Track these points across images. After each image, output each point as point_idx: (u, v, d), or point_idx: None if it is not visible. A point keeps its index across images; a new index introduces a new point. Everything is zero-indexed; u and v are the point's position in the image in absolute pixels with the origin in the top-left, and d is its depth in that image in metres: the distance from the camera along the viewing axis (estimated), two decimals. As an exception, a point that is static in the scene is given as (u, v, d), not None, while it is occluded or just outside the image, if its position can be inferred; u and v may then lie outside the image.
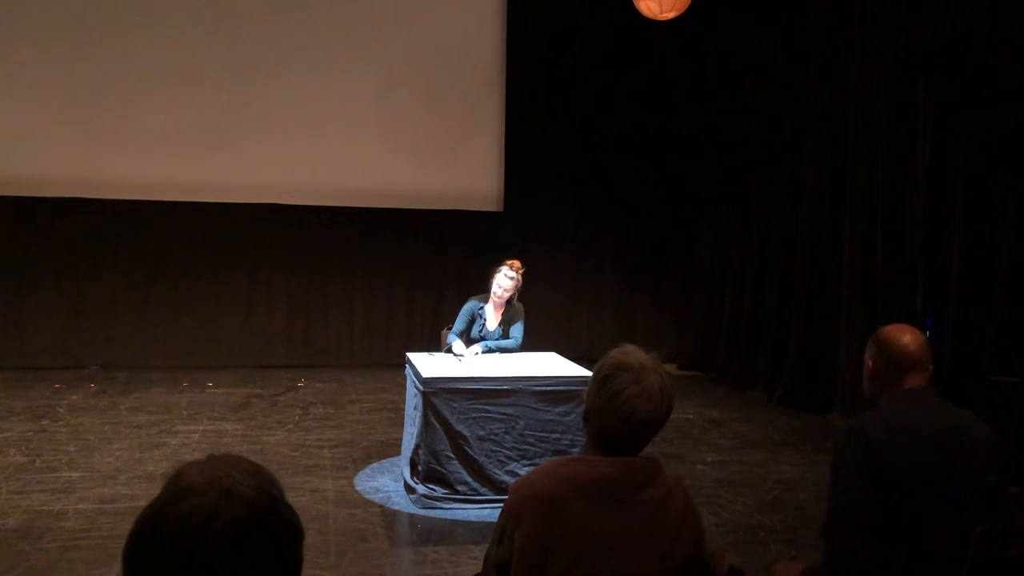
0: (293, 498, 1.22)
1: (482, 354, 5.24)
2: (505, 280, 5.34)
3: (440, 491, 4.66)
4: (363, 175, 8.77)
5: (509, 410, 4.69)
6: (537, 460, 4.59)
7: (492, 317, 5.47)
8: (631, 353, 1.95)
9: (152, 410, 6.65)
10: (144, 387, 7.43)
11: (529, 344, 5.61)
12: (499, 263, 5.44)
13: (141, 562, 1.11)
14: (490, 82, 9.03)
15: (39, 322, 8.19)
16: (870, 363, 2.47)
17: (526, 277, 5.49)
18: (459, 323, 5.48)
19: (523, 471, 4.48)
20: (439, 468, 4.65)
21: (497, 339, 5.42)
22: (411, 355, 5.21)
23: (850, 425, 2.35)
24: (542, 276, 8.84)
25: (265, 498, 1.14)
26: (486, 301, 5.47)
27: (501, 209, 9.10)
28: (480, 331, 5.44)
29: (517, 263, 5.42)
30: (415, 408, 4.78)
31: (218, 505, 1.10)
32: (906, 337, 2.42)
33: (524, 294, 5.61)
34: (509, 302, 5.47)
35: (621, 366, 1.91)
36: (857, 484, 2.22)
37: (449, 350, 5.27)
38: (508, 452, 4.70)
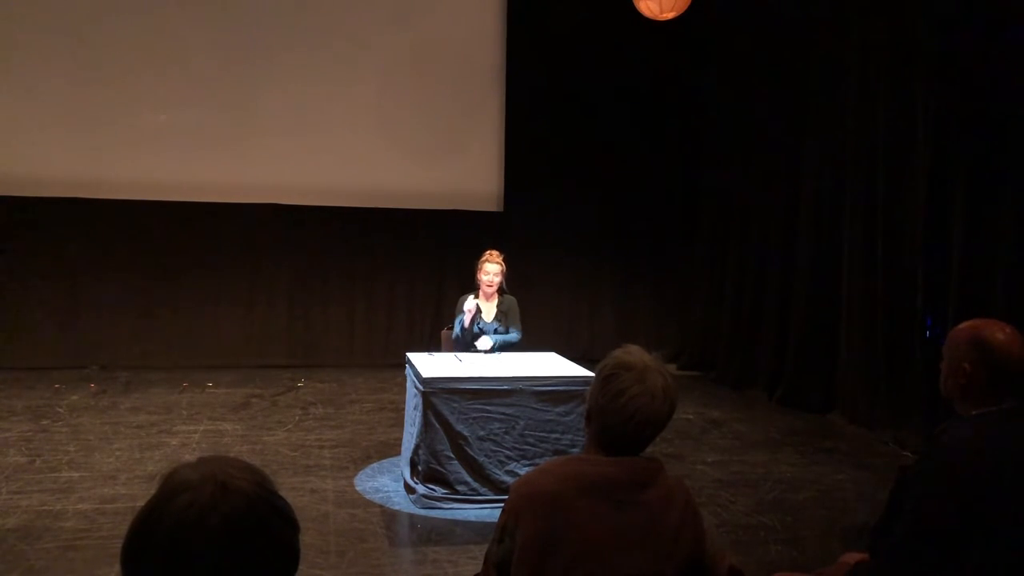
0: (293, 498, 1.22)
1: (498, 350, 5.35)
2: (492, 266, 5.55)
3: (440, 491, 4.65)
4: (363, 175, 8.76)
5: (509, 410, 4.70)
6: (537, 460, 4.60)
7: (487, 309, 5.60)
8: (634, 353, 1.94)
9: (152, 410, 6.64)
10: (144, 387, 7.42)
11: (529, 344, 5.65)
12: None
13: (140, 560, 1.10)
14: (490, 82, 9.03)
15: (39, 322, 8.18)
16: (967, 367, 2.15)
17: (527, 277, 5.58)
18: (459, 323, 5.53)
19: (523, 471, 4.48)
20: (439, 468, 4.65)
21: (494, 331, 5.53)
22: (411, 355, 5.21)
23: (941, 457, 2.08)
24: (542, 276, 8.86)
25: (260, 490, 1.14)
26: (477, 296, 5.61)
27: (501, 209, 9.09)
28: (478, 324, 5.51)
29: (496, 251, 5.67)
30: (415, 408, 4.79)
31: (215, 498, 1.10)
32: (1016, 347, 2.12)
33: (524, 293, 5.65)
34: (501, 293, 5.63)
35: (624, 366, 1.91)
36: (934, 541, 1.99)
37: (473, 347, 5.38)
38: (508, 452, 4.71)
